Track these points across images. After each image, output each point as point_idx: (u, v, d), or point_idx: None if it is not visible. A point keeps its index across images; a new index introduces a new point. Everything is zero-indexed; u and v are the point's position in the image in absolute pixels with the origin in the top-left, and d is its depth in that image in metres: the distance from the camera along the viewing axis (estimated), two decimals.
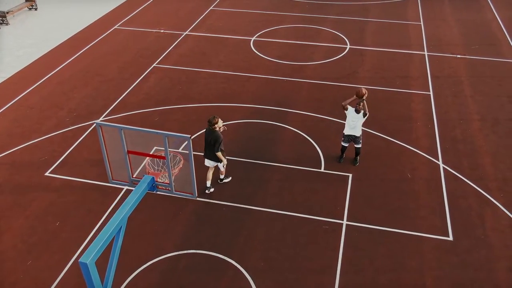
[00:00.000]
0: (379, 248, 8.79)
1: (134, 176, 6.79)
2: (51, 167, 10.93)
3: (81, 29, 18.75)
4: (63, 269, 8.37)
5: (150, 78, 14.88)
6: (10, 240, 8.99)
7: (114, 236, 5.45)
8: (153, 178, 6.16)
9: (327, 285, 8.08)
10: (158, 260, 8.52)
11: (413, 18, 19.53)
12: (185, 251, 8.73)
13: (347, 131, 10.52)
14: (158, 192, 6.75)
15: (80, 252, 8.71)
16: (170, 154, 5.98)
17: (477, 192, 10.13)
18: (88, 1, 21.97)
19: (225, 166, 10.00)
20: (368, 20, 19.33)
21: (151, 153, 10.99)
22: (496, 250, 8.72)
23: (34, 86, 14.48)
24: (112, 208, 9.71)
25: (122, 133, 5.89)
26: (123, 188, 10.24)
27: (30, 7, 20.70)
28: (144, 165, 6.51)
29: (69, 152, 11.42)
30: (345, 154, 11.00)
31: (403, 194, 10.09)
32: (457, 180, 10.45)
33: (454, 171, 10.74)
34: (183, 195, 6.42)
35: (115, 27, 18.91)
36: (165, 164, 6.34)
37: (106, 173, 6.64)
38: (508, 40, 17.44)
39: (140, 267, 8.37)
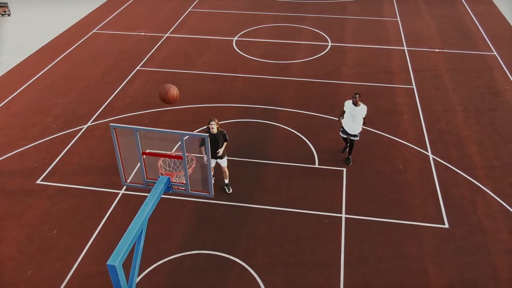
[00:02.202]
0: (379, 238, 8.99)
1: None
2: (42, 174, 10.71)
3: (58, 34, 18.38)
4: (65, 278, 8.23)
5: (135, 81, 14.74)
6: (7, 251, 8.76)
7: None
8: (168, 178, 6.14)
9: (332, 276, 8.22)
10: (162, 263, 8.48)
11: (389, 15, 19.98)
12: (189, 252, 8.71)
13: (346, 126, 10.50)
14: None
15: (82, 259, 8.57)
16: (178, 154, 5.98)
17: (467, 180, 10.47)
18: (62, 6, 21.54)
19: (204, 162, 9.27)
20: (347, 18, 19.66)
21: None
22: (490, 235, 9.05)
23: (15, 93, 14.13)
24: (110, 214, 9.60)
25: (138, 135, 5.85)
26: (118, 193, 10.15)
27: (3, 13, 20.16)
28: (156, 166, 6.46)
29: (60, 159, 11.21)
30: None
31: (397, 185, 10.34)
32: (447, 170, 10.78)
33: (444, 161, 11.06)
34: (199, 194, 6.42)
35: (94, 31, 18.61)
36: (175, 164, 6.33)
37: (120, 176, 6.56)
38: (482, 34, 18.05)
39: (145, 270, 8.30)
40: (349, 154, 10.93)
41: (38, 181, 10.52)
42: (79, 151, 11.51)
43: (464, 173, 10.66)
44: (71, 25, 19.23)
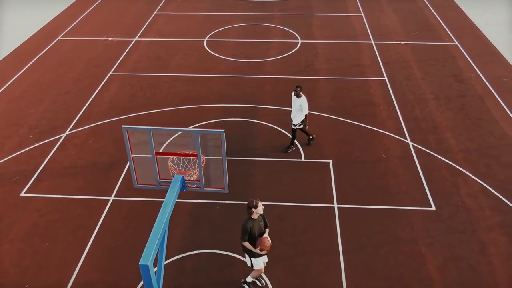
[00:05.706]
0: (372, 225, 9.30)
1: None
2: (26, 186, 10.38)
3: (21, 42, 17.78)
4: (66, 287, 8.06)
5: (110, 86, 14.49)
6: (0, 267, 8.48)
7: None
8: (183, 177, 6.14)
9: (333, 264, 8.44)
10: (164, 264, 8.41)
11: (353, 11, 20.54)
12: (189, 253, 8.71)
13: (292, 114, 11.18)
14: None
15: (81, 267, 8.40)
16: (189, 152, 6.01)
17: (447, 164, 10.99)
18: (21, 13, 20.81)
19: (255, 268, 7.48)
20: (313, 15, 20.06)
21: (132, 158, 10.83)
22: (474, 213, 9.56)
23: None
24: (102, 221, 9.44)
25: (151, 135, 5.83)
26: (109, 200, 9.99)
27: None
28: (167, 165, 6.45)
29: (42, 169, 10.90)
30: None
31: (382, 173, 10.71)
32: (427, 155, 11.26)
33: (423, 147, 11.55)
34: (214, 190, 6.45)
35: (59, 38, 18.12)
36: (184, 163, 6.35)
37: (132, 178, 6.50)
38: (442, 25, 18.90)
39: None
40: (308, 136, 11.51)
41: (22, 194, 10.20)
42: (61, 160, 11.23)
43: (443, 157, 11.17)
44: (33, 32, 18.64)
